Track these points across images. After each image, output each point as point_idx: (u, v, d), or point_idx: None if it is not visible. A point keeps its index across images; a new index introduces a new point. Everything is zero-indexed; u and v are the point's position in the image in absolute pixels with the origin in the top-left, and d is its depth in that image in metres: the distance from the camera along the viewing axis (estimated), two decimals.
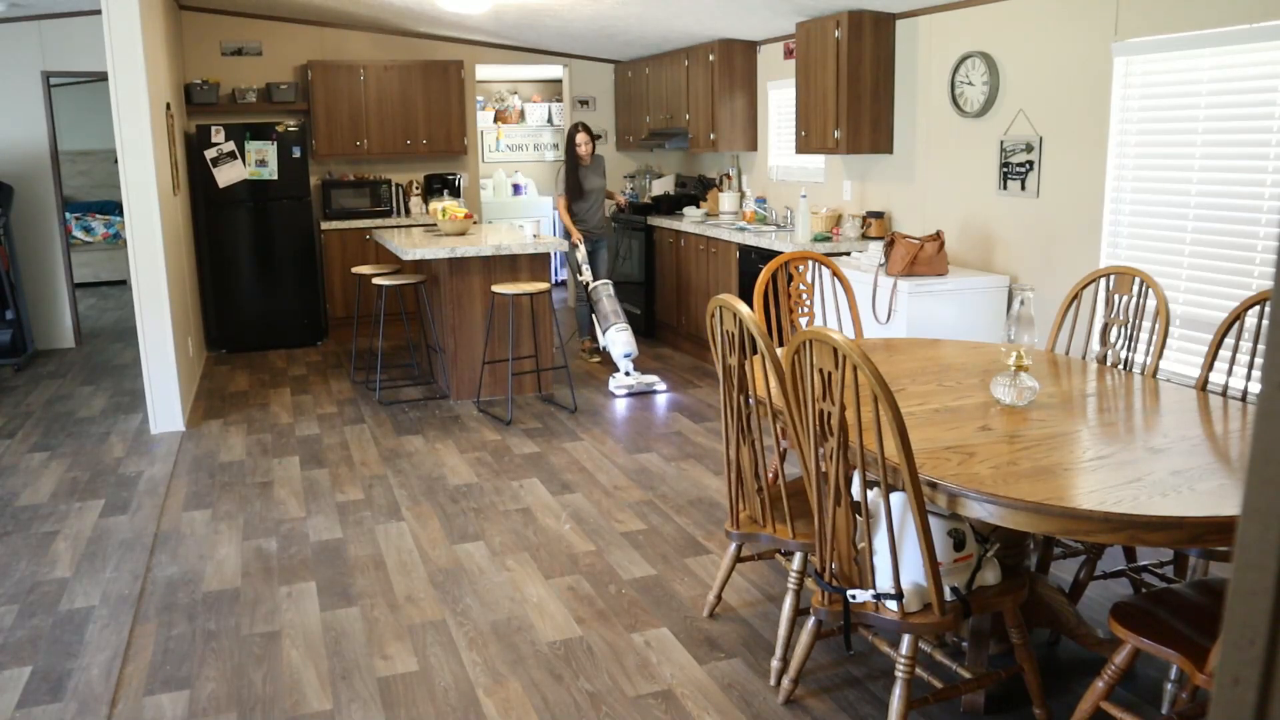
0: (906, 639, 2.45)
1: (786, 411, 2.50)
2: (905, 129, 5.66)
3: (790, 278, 3.98)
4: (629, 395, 6.21)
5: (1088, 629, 2.94)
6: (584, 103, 9.14)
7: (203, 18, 7.90)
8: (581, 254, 7.00)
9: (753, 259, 6.23)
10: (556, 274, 10.74)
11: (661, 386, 6.33)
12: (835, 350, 2.26)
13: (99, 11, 5.37)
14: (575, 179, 7.13)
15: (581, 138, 7.03)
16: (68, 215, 9.69)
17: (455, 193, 8.45)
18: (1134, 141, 4.26)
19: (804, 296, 4.01)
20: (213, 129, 7.41)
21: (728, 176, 7.68)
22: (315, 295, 7.96)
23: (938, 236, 4.85)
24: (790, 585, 2.93)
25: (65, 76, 7.83)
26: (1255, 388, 3.16)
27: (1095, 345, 3.68)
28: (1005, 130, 4.90)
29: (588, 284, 6.85)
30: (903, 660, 2.46)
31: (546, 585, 3.61)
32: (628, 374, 6.33)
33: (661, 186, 8.43)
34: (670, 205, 7.92)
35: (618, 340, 6.34)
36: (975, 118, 5.08)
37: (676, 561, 3.79)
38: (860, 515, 2.48)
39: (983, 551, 2.51)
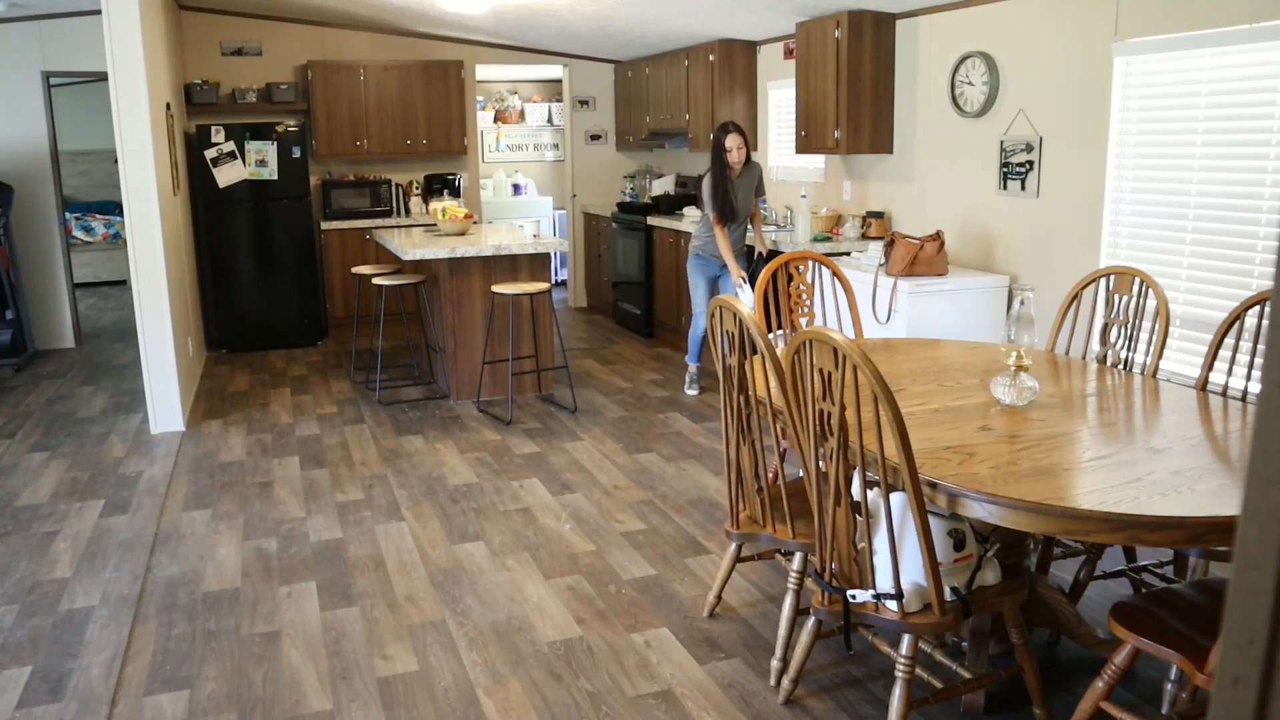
0: (906, 639, 2.45)
1: (786, 411, 2.50)
2: (905, 129, 5.65)
3: (790, 278, 3.98)
4: None
5: (1088, 629, 2.94)
6: (584, 103, 9.14)
7: (203, 18, 7.90)
8: (748, 295, 5.47)
9: (753, 259, 6.23)
10: (556, 274, 10.74)
11: None
12: (835, 350, 2.26)
13: (99, 11, 5.37)
14: (726, 194, 5.58)
15: (733, 140, 5.54)
16: (68, 215, 9.69)
17: (455, 193, 8.45)
18: (1134, 141, 4.26)
19: (804, 296, 4.01)
20: (213, 129, 7.41)
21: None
22: (315, 295, 7.96)
23: (938, 236, 4.85)
24: (790, 585, 2.93)
25: (65, 76, 7.83)
26: (1255, 388, 3.16)
27: (1095, 345, 3.68)
28: (1005, 130, 4.90)
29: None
30: (903, 660, 2.46)
31: (546, 585, 3.61)
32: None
33: (661, 186, 8.43)
34: (670, 205, 7.92)
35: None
36: (975, 118, 5.08)
37: (676, 561, 3.79)
38: (860, 515, 2.48)
39: (983, 551, 2.51)
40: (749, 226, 5.86)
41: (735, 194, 5.63)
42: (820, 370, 2.33)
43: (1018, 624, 2.61)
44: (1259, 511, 0.58)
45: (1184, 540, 2.08)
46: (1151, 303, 3.81)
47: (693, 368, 6.24)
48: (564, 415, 5.81)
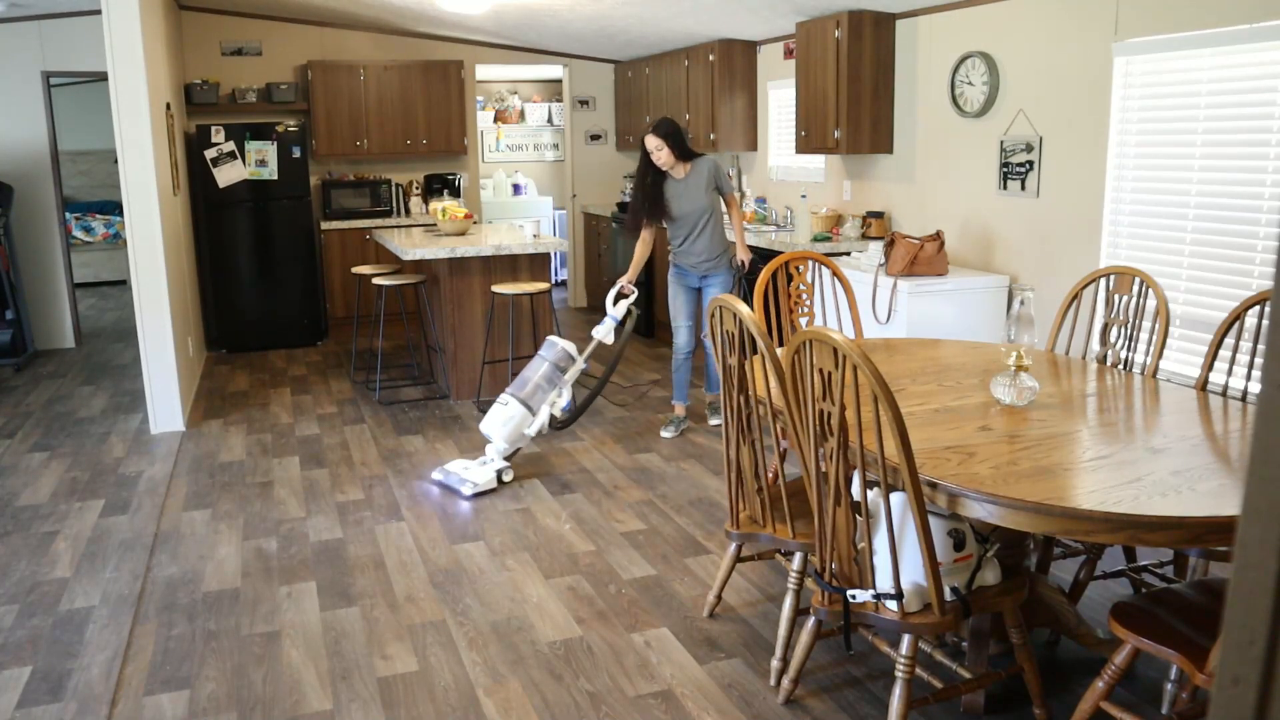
0: (906, 639, 2.45)
1: (786, 411, 2.50)
2: (905, 129, 5.65)
3: (790, 278, 3.98)
4: (439, 485, 4.64)
5: (1088, 629, 2.94)
6: (584, 102, 9.14)
7: (203, 18, 7.90)
8: (612, 296, 5.17)
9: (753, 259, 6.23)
10: (556, 274, 10.74)
11: (488, 486, 4.52)
12: (835, 350, 2.26)
13: (99, 11, 5.37)
14: (634, 200, 5.20)
15: (651, 141, 4.96)
16: (68, 215, 9.69)
17: (455, 193, 8.45)
18: (1134, 141, 4.26)
19: (804, 296, 4.01)
20: (213, 129, 7.41)
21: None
22: (315, 295, 7.96)
23: (938, 236, 4.85)
24: (790, 585, 2.93)
25: (65, 76, 7.83)
26: (1255, 388, 3.16)
27: (1095, 345, 3.68)
28: (1005, 130, 4.90)
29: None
30: (903, 660, 2.46)
31: (546, 585, 3.61)
32: (483, 464, 4.62)
33: None
34: None
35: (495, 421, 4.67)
36: (975, 118, 5.08)
37: (676, 561, 3.79)
38: (860, 515, 2.48)
39: (983, 551, 2.51)
40: (704, 231, 5.18)
41: (674, 196, 5.09)
42: (820, 370, 2.33)
43: (1018, 624, 2.61)
44: (1259, 511, 0.58)
45: (1184, 540, 2.08)
46: (1151, 303, 3.81)
47: (679, 409, 5.46)
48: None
